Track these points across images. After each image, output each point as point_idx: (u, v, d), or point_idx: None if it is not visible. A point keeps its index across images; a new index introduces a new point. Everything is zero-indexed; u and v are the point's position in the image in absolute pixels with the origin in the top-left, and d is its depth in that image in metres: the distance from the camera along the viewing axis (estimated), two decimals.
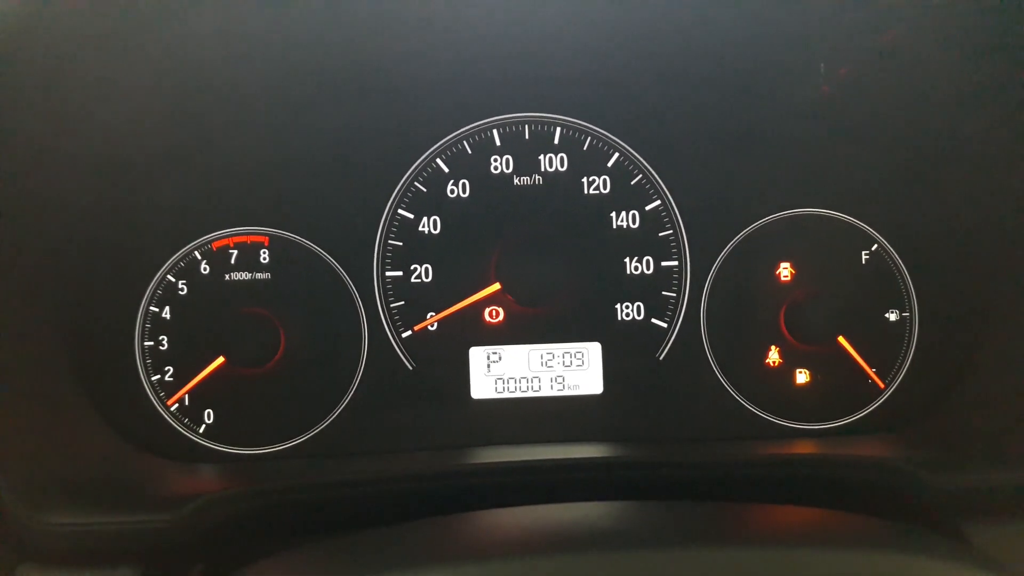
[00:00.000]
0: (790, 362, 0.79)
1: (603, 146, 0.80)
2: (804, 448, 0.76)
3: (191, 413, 0.77)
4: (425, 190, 0.79)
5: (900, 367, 0.79)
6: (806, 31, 0.69)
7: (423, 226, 0.79)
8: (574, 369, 0.79)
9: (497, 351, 0.79)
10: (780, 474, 0.69)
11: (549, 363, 0.79)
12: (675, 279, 0.79)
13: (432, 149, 0.79)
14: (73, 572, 0.56)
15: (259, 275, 0.78)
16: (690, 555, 0.40)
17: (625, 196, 0.80)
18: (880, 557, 0.43)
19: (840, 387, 0.79)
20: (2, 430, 0.58)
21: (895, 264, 0.79)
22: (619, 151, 0.80)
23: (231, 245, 0.78)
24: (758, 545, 0.42)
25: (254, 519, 0.62)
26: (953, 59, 0.64)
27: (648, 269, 0.79)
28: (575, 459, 0.69)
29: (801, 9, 0.66)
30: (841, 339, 0.78)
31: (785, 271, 0.79)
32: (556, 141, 0.80)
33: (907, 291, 0.79)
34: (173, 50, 0.68)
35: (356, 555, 0.45)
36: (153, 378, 0.77)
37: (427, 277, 0.79)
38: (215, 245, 0.78)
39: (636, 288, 0.79)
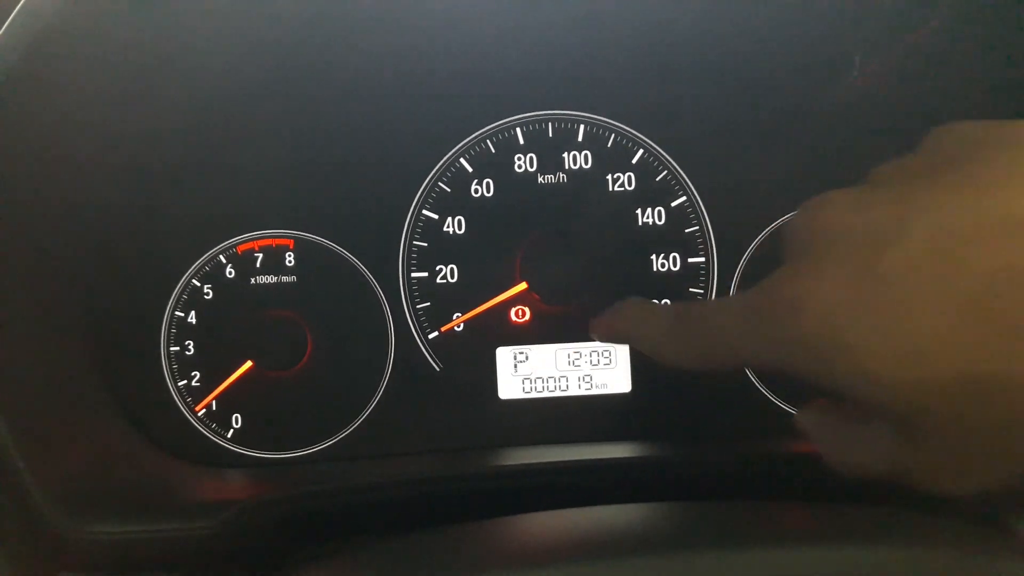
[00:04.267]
0: None
1: (627, 143, 0.79)
2: None
3: (218, 418, 0.77)
4: (449, 190, 0.79)
5: None
6: (837, 25, 0.68)
7: (448, 226, 0.79)
8: (602, 368, 0.79)
9: (524, 351, 0.78)
10: (814, 470, 0.69)
11: (576, 362, 0.79)
12: (702, 276, 0.79)
13: (456, 148, 0.79)
14: None
15: (284, 278, 0.78)
16: (772, 555, 0.39)
17: (650, 193, 0.79)
18: (933, 554, 0.42)
19: None
20: (35, 439, 0.58)
21: None
22: (643, 147, 0.79)
23: (256, 249, 0.78)
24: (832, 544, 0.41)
25: (289, 524, 0.62)
26: (989, 56, 0.63)
27: (675, 266, 0.79)
28: (611, 459, 0.69)
29: (832, 2, 0.66)
30: None
31: None
32: (580, 139, 0.79)
33: None
34: (193, 52, 0.68)
35: (405, 562, 0.45)
36: (180, 383, 0.77)
37: (453, 278, 0.79)
38: (240, 249, 0.78)
39: (663, 285, 0.79)
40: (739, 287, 0.79)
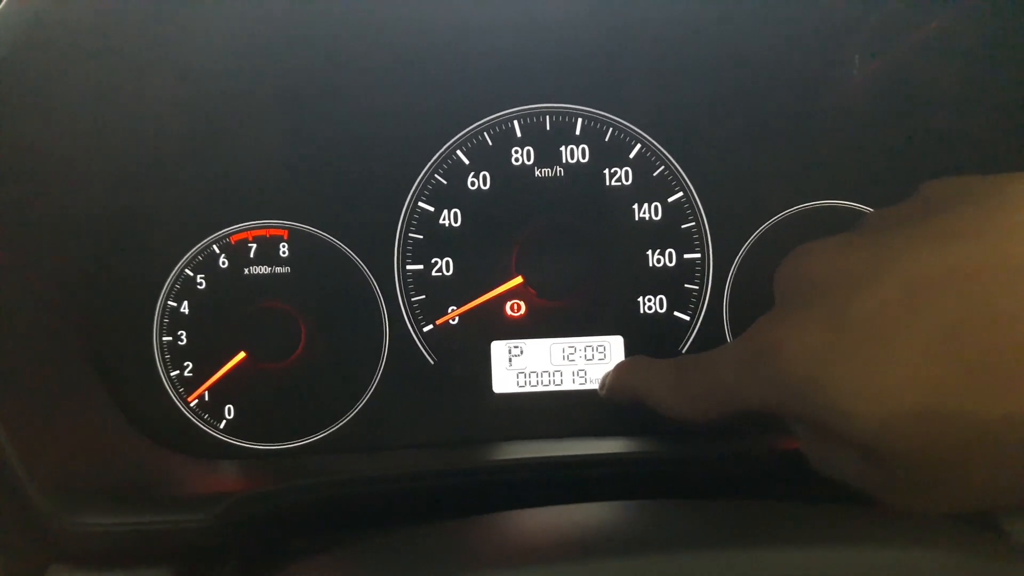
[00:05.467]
0: None
1: (625, 137, 0.79)
2: None
3: (211, 409, 0.77)
4: (445, 182, 0.78)
5: None
6: (837, 24, 0.68)
7: (444, 219, 0.78)
8: (596, 363, 0.79)
9: (519, 345, 0.78)
10: (806, 468, 0.69)
11: (571, 357, 0.79)
12: (697, 272, 0.79)
13: (452, 141, 0.78)
14: (104, 573, 0.55)
15: (279, 269, 0.77)
16: (782, 556, 0.39)
17: (647, 188, 0.79)
18: (930, 555, 0.43)
19: None
20: (28, 430, 0.57)
21: None
22: (641, 142, 0.79)
23: (250, 239, 0.77)
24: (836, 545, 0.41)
25: (282, 517, 0.62)
26: (989, 57, 0.63)
27: (670, 262, 0.79)
28: (604, 454, 0.68)
29: (833, 2, 0.66)
30: None
31: None
32: (577, 132, 0.79)
33: None
34: (187, 43, 0.67)
35: (398, 556, 0.45)
36: (172, 374, 0.76)
37: (448, 271, 0.78)
38: (234, 239, 0.77)
39: (659, 281, 0.79)
40: (734, 284, 0.79)
